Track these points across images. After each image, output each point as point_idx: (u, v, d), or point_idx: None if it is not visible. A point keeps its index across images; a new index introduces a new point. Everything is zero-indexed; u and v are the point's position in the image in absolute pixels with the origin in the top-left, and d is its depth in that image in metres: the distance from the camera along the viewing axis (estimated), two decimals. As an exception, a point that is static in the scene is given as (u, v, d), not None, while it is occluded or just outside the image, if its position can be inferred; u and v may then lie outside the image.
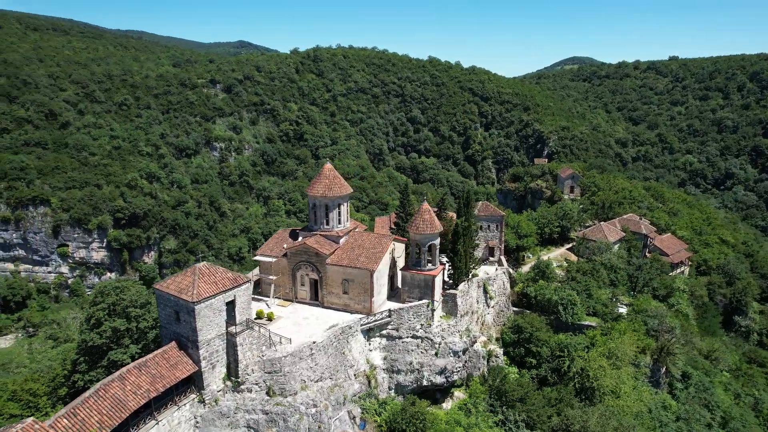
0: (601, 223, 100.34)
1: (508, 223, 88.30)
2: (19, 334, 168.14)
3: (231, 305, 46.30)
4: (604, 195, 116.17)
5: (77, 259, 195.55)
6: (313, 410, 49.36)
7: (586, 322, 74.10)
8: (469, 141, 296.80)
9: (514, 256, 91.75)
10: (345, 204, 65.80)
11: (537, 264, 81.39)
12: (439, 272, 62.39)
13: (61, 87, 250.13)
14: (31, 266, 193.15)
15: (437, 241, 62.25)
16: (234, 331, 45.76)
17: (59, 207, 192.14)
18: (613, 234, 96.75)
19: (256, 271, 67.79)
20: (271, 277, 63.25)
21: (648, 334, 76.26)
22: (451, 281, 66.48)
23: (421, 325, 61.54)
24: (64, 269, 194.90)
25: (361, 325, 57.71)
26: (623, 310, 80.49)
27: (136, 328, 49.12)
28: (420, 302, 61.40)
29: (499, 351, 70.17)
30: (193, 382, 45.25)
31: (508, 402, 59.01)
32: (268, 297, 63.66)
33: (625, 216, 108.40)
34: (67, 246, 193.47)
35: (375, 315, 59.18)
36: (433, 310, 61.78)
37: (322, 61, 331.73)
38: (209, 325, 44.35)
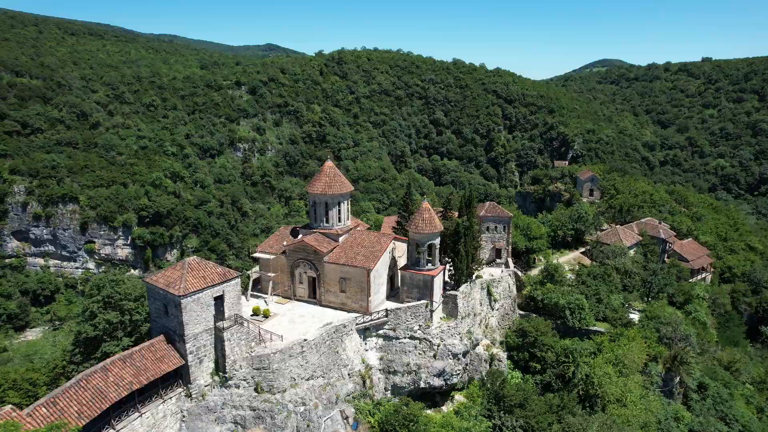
0: (617, 226, 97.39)
1: (517, 224, 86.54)
2: (46, 327, 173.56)
3: (220, 300, 46.37)
4: (623, 198, 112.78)
5: (103, 255, 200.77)
6: (302, 408, 48.99)
7: (594, 328, 71.89)
8: (492, 143, 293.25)
9: (525, 259, 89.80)
10: (345, 202, 65.44)
11: (546, 267, 79.44)
12: (439, 272, 61.32)
13: (93, 89, 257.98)
14: (59, 261, 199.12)
15: (437, 241, 61.25)
16: (222, 326, 45.77)
17: (87, 204, 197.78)
18: (629, 238, 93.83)
19: (258, 268, 67.93)
20: (269, 274, 63.36)
21: (660, 341, 73.54)
22: (453, 282, 65.39)
23: (420, 325, 60.57)
24: (91, 265, 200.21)
25: (357, 324, 57.13)
26: (635, 316, 77.85)
27: (129, 321, 49.74)
28: (418, 302, 60.48)
29: (503, 355, 68.66)
30: (180, 376, 45.44)
31: (506, 407, 57.42)
32: (267, 294, 63.73)
33: (643, 220, 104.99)
34: (94, 243, 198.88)
35: (371, 314, 58.54)
36: (431, 311, 60.73)
37: (346, 63, 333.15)
38: (196, 319, 44.46)
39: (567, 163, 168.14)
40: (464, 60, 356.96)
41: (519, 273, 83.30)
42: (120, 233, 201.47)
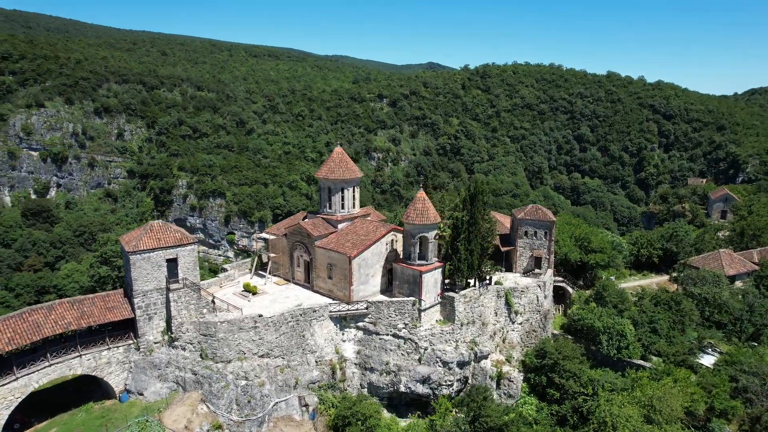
0: (722, 250, 78.58)
1: (576, 235, 74.93)
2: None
3: (174, 263, 48.50)
4: (751, 220, 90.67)
5: (240, 246, 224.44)
6: (243, 382, 48.55)
7: (638, 361, 58.91)
8: (643, 163, 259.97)
9: (590, 275, 77.44)
10: (350, 189, 63.93)
11: (599, 285, 67.71)
12: (431, 269, 56.09)
13: (253, 100, 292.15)
14: (207, 248, 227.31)
15: (431, 234, 56.34)
16: (170, 287, 47.75)
17: (231, 200, 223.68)
18: (736, 265, 75.35)
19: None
20: (271, 254, 64.53)
21: (738, 394, 57.22)
22: (456, 283, 59.36)
23: (405, 324, 56.06)
24: (230, 254, 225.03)
25: (330, 311, 54.99)
26: (711, 358, 61.95)
27: (118, 276, 54.67)
28: (405, 299, 56.10)
29: (516, 375, 60.13)
30: (132, 329, 48.46)
31: (480, 429, 49.81)
32: (272, 274, 64.89)
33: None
34: (234, 234, 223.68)
35: (349, 304, 55.88)
36: (419, 310, 55.77)
37: (490, 77, 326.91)
38: (146, 277, 47.10)
39: (704, 181, 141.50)
40: (620, 73, 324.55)
41: (570, 289, 72.37)
42: (256, 227, 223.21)
